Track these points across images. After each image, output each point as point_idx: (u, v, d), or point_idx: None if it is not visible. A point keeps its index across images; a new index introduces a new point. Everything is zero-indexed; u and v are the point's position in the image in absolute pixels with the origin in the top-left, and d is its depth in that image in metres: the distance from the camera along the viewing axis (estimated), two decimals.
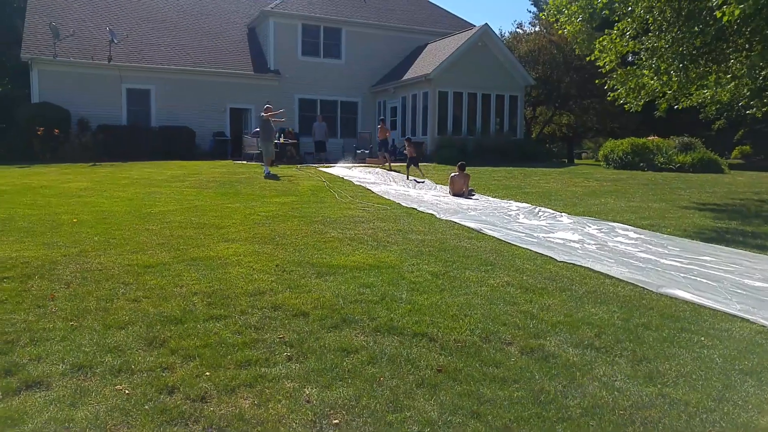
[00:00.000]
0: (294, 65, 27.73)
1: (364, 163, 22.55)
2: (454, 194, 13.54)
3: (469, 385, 3.52)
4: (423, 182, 16.16)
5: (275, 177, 15.36)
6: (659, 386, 3.61)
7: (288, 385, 3.46)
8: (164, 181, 14.10)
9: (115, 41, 23.98)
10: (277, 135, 20.90)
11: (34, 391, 3.33)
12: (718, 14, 10.01)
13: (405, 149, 17.85)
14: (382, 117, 25.47)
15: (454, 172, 14.03)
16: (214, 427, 3.03)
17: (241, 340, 4.11)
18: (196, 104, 25.73)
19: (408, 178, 16.73)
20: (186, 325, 4.36)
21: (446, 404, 3.29)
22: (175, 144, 23.80)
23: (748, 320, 4.87)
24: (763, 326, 4.72)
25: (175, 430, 2.99)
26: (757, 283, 6.03)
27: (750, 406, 3.37)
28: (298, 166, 19.91)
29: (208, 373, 3.58)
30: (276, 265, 6.16)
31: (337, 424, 3.08)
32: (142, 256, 6.44)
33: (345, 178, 16.09)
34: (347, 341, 4.14)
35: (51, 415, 3.08)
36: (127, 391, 3.34)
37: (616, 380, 3.67)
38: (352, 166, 20.33)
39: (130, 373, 3.57)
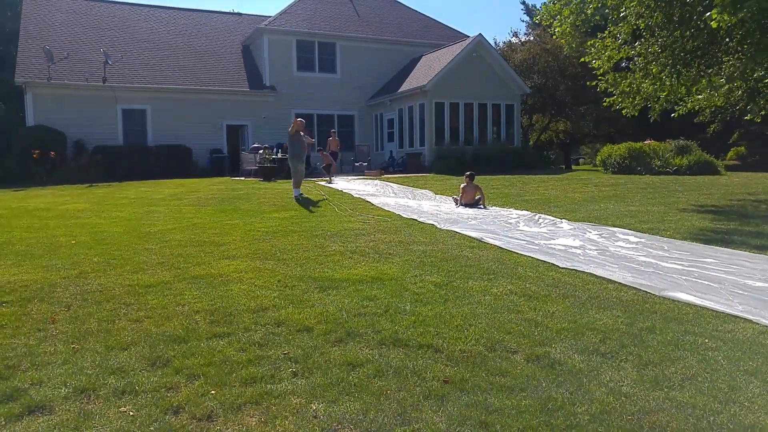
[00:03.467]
0: (290, 81, 27.88)
1: (363, 175, 22.59)
2: (465, 204, 13.09)
3: (476, 396, 3.50)
4: (332, 185, 18.05)
5: (306, 200, 13.72)
6: (666, 390, 3.59)
7: (294, 401, 3.44)
8: (162, 200, 14.06)
9: (110, 62, 24.13)
10: (275, 150, 20.94)
11: (36, 416, 3.29)
12: (712, 23, 10.03)
13: (322, 158, 21.16)
14: (333, 129, 25.87)
15: (463, 183, 13.55)
16: None
17: (245, 357, 4.09)
18: (192, 122, 25.82)
19: (330, 181, 19.12)
20: (189, 344, 4.34)
21: (454, 415, 3.27)
22: (173, 162, 23.90)
23: (750, 321, 4.85)
24: (766, 326, 4.70)
25: None
26: (758, 284, 5.99)
27: (756, 407, 3.36)
28: None
29: (213, 392, 3.55)
30: (278, 281, 6.14)
31: None
32: (143, 275, 6.42)
33: (344, 191, 16.08)
34: (352, 355, 4.12)
35: None
36: (131, 413, 3.30)
37: (622, 385, 3.65)
38: (351, 179, 20.36)
39: (134, 395, 3.54)
